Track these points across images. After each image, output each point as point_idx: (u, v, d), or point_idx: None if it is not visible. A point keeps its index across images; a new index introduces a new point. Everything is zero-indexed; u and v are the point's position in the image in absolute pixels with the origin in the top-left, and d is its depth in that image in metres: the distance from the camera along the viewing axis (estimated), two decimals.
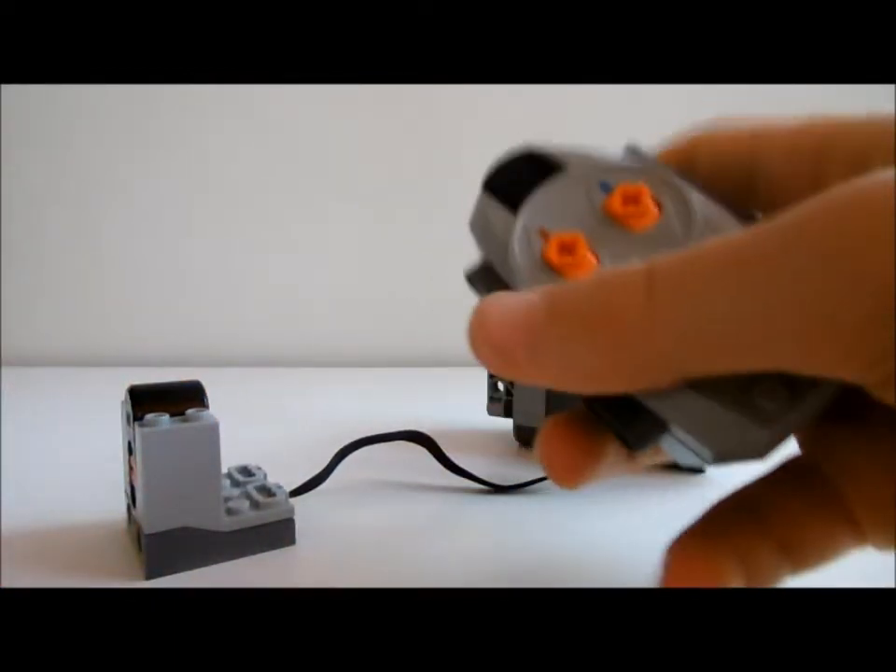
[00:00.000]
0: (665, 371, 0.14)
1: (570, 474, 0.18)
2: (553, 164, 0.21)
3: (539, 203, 0.20)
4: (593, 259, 0.19)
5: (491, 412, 0.42)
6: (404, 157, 0.74)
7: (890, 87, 0.68)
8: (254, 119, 0.73)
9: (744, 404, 0.15)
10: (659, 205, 0.19)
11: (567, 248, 0.19)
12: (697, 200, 0.19)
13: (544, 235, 0.20)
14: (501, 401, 0.41)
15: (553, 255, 0.19)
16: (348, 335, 0.76)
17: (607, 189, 0.20)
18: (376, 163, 0.74)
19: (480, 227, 0.21)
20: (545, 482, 0.33)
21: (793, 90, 0.70)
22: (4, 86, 0.70)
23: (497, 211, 0.21)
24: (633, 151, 0.21)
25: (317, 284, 0.75)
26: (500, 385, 0.41)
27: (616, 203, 0.19)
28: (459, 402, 0.52)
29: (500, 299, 0.17)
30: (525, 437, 0.41)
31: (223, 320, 0.75)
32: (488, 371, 0.42)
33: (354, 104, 0.73)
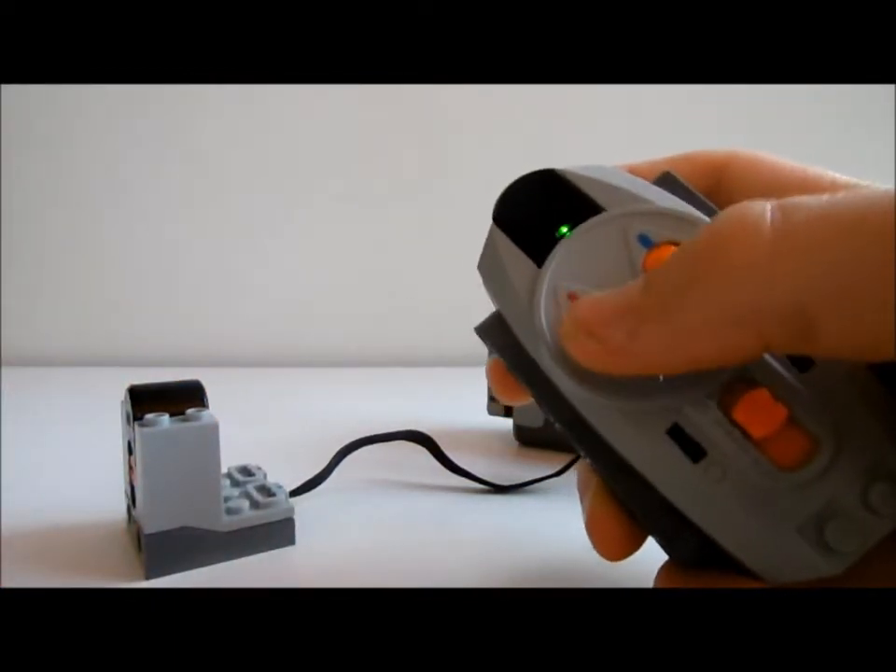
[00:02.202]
0: (782, 320, 0.14)
1: (619, 556, 0.18)
2: (582, 202, 0.18)
3: (568, 255, 0.17)
4: None
5: (491, 411, 0.42)
6: (404, 157, 0.74)
7: (890, 87, 0.69)
8: (254, 120, 0.73)
9: (811, 534, 0.15)
10: None
11: None
12: None
13: (575, 301, 0.17)
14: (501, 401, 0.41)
15: None
16: (348, 335, 0.75)
17: (648, 243, 0.17)
18: (376, 163, 0.74)
19: (493, 274, 0.18)
20: (545, 482, 0.33)
21: (793, 90, 0.70)
22: (4, 86, 0.70)
23: (516, 258, 0.18)
24: (668, 181, 0.18)
25: (317, 284, 0.75)
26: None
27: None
28: (459, 402, 0.52)
29: (591, 296, 0.16)
30: (525, 437, 0.41)
31: (223, 320, 0.75)
32: None
33: (354, 103, 0.73)
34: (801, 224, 0.14)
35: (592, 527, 0.19)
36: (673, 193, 0.18)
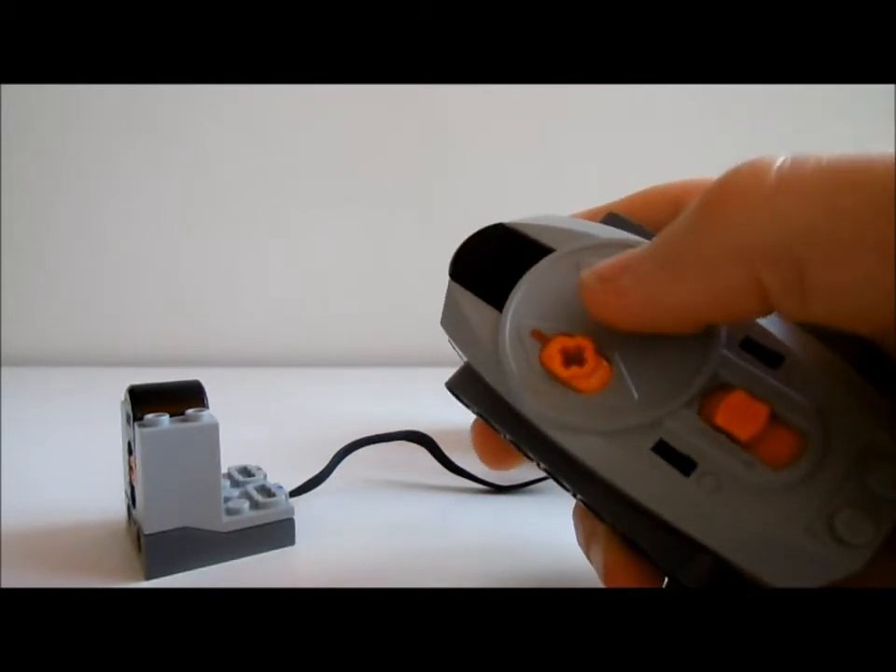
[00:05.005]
0: (774, 261, 0.14)
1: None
2: (533, 247, 0.18)
3: (526, 295, 0.17)
4: (606, 366, 0.16)
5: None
6: (404, 157, 0.74)
7: (890, 87, 0.69)
8: (254, 119, 0.73)
9: (821, 531, 0.14)
10: None
11: (572, 357, 0.16)
12: None
13: (540, 338, 0.17)
14: None
15: (558, 366, 0.16)
16: (348, 335, 0.75)
17: None
18: (376, 163, 0.74)
19: (457, 327, 0.18)
20: (545, 482, 0.33)
21: (793, 89, 0.70)
22: (4, 86, 0.70)
23: (477, 307, 0.18)
24: (613, 220, 0.19)
25: (317, 284, 0.75)
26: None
27: None
28: (459, 402, 0.51)
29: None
30: None
31: (223, 320, 0.75)
32: None
33: (353, 104, 0.73)
34: (807, 172, 0.14)
35: (612, 583, 0.18)
36: (620, 228, 0.19)
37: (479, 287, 0.18)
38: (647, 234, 0.18)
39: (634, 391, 0.16)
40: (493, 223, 0.19)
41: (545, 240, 0.18)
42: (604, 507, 0.17)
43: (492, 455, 0.20)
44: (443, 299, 0.19)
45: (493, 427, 0.18)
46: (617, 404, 0.16)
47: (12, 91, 0.71)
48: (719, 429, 0.16)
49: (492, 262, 0.18)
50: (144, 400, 0.25)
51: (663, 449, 0.16)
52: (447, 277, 0.19)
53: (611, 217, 0.19)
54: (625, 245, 0.17)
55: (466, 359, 0.18)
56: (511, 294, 0.17)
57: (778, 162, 0.14)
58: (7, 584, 0.24)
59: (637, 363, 0.16)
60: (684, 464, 0.16)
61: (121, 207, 0.74)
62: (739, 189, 0.14)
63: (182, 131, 0.73)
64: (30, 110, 0.71)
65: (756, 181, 0.14)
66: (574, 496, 0.18)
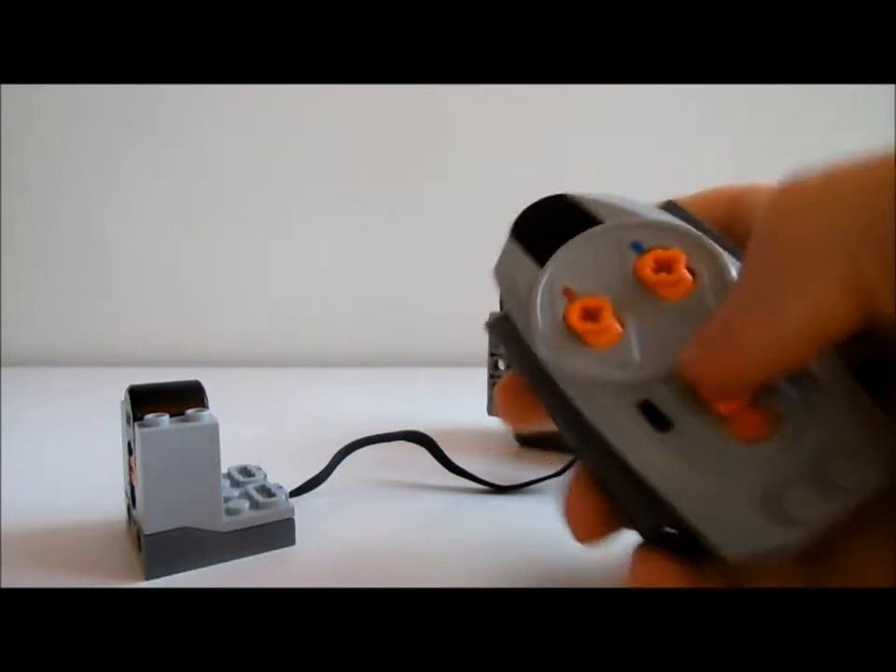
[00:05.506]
0: (871, 241, 0.14)
1: (593, 540, 0.19)
2: (585, 217, 0.20)
3: (567, 258, 0.19)
4: (618, 327, 0.18)
5: (491, 412, 0.42)
6: (405, 157, 0.74)
7: (890, 87, 0.69)
8: (254, 119, 0.73)
9: (769, 505, 0.15)
10: (693, 274, 0.18)
11: (590, 314, 0.18)
12: (734, 267, 0.17)
13: (569, 295, 0.18)
14: None
15: (576, 320, 0.18)
16: (349, 335, 0.76)
17: (639, 249, 0.18)
18: (376, 163, 0.74)
19: (504, 276, 0.20)
20: (545, 482, 0.33)
21: (793, 89, 0.70)
22: (4, 86, 0.70)
23: (523, 263, 0.20)
24: (671, 207, 0.20)
25: (318, 284, 0.75)
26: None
27: (647, 268, 0.18)
28: (459, 402, 0.52)
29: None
30: (524, 437, 0.41)
31: (223, 320, 0.75)
32: (489, 371, 0.41)
33: (353, 104, 0.73)
34: (847, 167, 0.15)
35: (568, 509, 0.19)
36: (676, 216, 0.19)
37: (529, 246, 0.20)
38: (701, 226, 0.19)
39: (636, 352, 0.17)
40: (556, 193, 0.21)
41: (596, 212, 0.20)
42: (585, 448, 0.18)
43: (513, 412, 0.21)
44: (499, 253, 0.21)
45: (513, 365, 0.21)
46: (618, 360, 0.17)
47: (12, 90, 0.71)
48: (702, 400, 0.17)
49: (545, 226, 0.20)
50: (144, 400, 0.25)
51: (647, 407, 0.17)
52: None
53: (669, 205, 0.20)
54: (671, 229, 0.18)
55: (505, 305, 0.20)
56: (555, 254, 0.19)
57: (817, 168, 0.15)
58: (6, 584, 0.24)
59: (646, 329, 0.18)
60: (662, 423, 0.17)
61: (121, 207, 0.74)
62: (797, 200, 0.15)
63: (182, 131, 0.73)
64: (30, 110, 0.71)
65: (804, 186, 0.15)
66: (564, 434, 0.19)
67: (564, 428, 0.19)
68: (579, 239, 0.19)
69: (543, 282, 0.19)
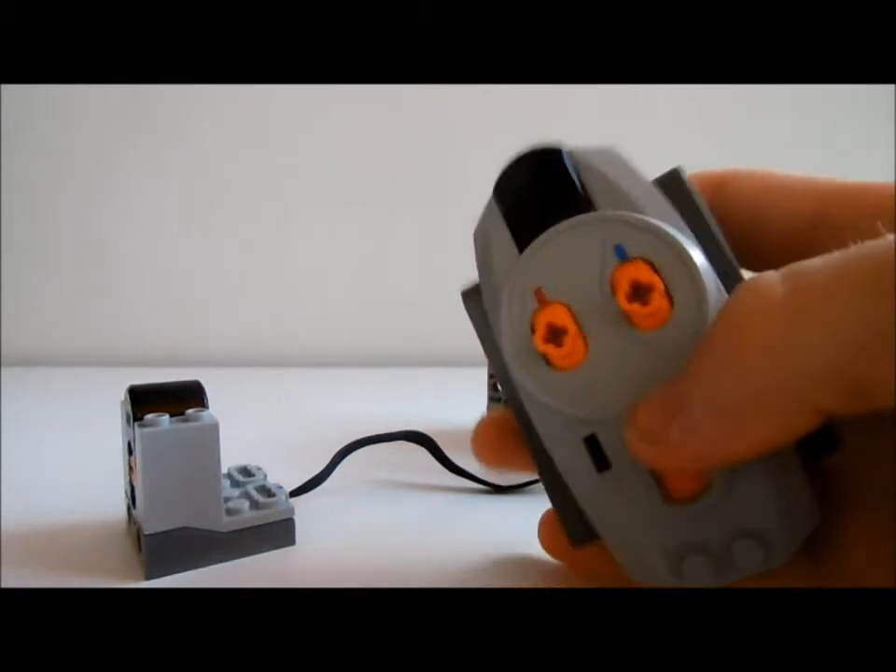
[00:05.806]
0: (820, 382, 0.14)
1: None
2: (576, 196, 0.18)
3: (545, 252, 0.18)
4: (581, 350, 0.17)
5: (491, 412, 0.42)
6: (404, 157, 0.74)
7: (890, 87, 0.69)
8: (254, 119, 0.73)
9: (671, 560, 0.17)
10: (671, 299, 0.16)
11: (555, 336, 0.17)
12: (714, 290, 0.16)
13: (539, 297, 0.17)
14: (501, 401, 0.41)
15: (540, 340, 0.17)
16: (348, 335, 0.75)
17: (623, 255, 0.17)
18: (376, 163, 0.74)
19: (481, 244, 0.19)
20: None
21: (793, 90, 0.70)
22: (4, 86, 0.70)
23: (502, 239, 0.19)
24: (674, 184, 0.18)
25: (317, 283, 0.75)
26: (500, 386, 0.41)
27: (622, 291, 0.16)
28: (459, 402, 0.51)
29: (640, 403, 0.16)
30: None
31: (223, 320, 0.75)
32: (488, 372, 0.41)
33: (353, 104, 0.73)
34: (816, 287, 0.14)
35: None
36: (673, 199, 0.18)
37: (511, 218, 0.19)
38: (695, 214, 0.18)
39: (593, 384, 0.17)
40: (552, 145, 0.18)
41: (590, 188, 0.18)
42: (532, 441, 0.19)
43: (491, 455, 0.22)
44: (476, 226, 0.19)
45: (482, 346, 0.21)
46: (573, 392, 0.17)
47: (12, 91, 0.71)
48: None
49: (531, 195, 0.18)
50: (144, 400, 0.25)
51: (592, 442, 0.18)
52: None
53: (672, 180, 0.18)
54: (660, 236, 0.17)
55: (479, 280, 0.20)
56: (534, 243, 0.18)
57: (779, 285, 0.14)
58: (6, 584, 0.24)
59: (611, 354, 0.17)
60: (602, 462, 0.18)
61: (121, 207, 0.74)
62: (753, 323, 0.14)
63: (182, 131, 0.73)
64: (30, 110, 0.71)
65: (767, 311, 0.14)
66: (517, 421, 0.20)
67: (516, 414, 0.20)
68: (562, 227, 0.17)
69: (516, 275, 0.18)
